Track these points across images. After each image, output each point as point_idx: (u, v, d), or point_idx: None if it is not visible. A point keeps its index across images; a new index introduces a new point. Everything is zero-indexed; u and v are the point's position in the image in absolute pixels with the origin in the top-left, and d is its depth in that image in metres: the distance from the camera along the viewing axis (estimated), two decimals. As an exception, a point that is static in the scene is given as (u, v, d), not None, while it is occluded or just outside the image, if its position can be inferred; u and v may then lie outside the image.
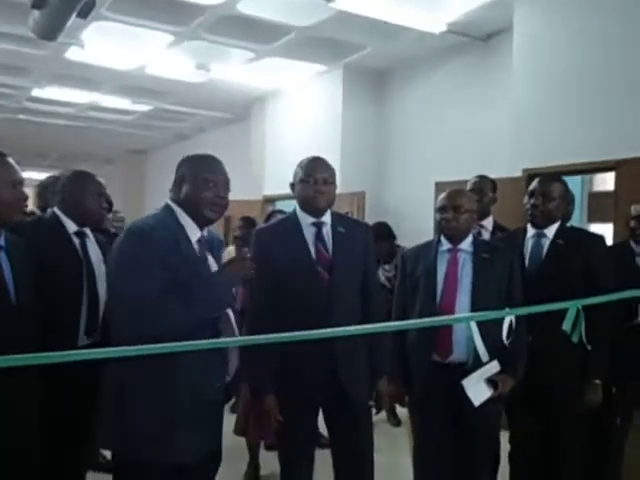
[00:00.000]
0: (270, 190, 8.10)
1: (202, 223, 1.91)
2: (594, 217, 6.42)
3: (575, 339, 1.54)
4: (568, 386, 2.51)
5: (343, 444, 2.31)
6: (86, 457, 2.49)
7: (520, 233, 2.71)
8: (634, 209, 2.92)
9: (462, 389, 2.26)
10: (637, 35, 4.03)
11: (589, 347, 2.25)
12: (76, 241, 2.36)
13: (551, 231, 2.59)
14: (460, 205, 2.40)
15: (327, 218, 2.31)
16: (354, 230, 2.36)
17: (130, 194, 12.54)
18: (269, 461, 3.39)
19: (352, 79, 6.95)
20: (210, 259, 1.94)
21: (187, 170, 1.91)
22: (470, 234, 2.48)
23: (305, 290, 2.21)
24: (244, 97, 8.36)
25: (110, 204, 3.84)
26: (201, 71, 6.98)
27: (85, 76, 7.53)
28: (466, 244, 2.44)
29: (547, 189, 2.57)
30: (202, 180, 1.87)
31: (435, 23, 5.34)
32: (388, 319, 2.59)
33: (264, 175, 8.35)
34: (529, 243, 2.64)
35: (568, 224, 2.77)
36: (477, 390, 2.27)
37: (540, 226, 2.60)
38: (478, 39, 5.72)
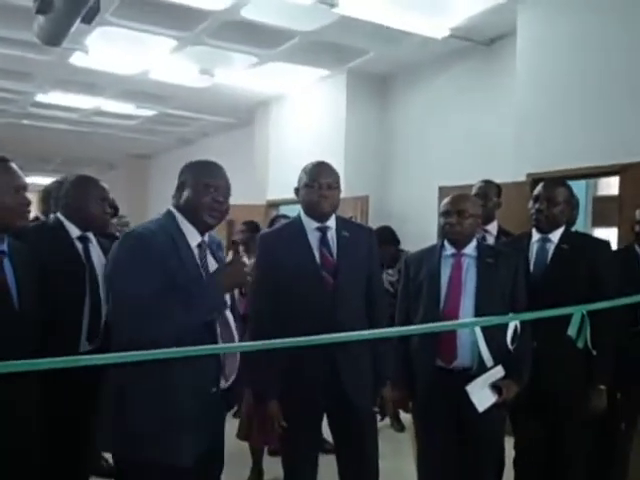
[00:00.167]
0: (274, 195, 8.10)
1: (202, 228, 1.91)
2: (598, 221, 6.39)
3: (580, 344, 1.53)
4: (573, 391, 2.49)
5: (348, 450, 2.30)
6: (88, 458, 2.48)
7: (525, 238, 2.70)
8: (639, 213, 2.91)
9: (466, 394, 2.24)
10: (641, 39, 4.03)
11: (594, 352, 2.25)
12: (79, 246, 2.36)
13: (556, 236, 2.58)
14: (464, 210, 2.40)
15: (331, 223, 2.31)
16: (358, 234, 2.36)
17: (133, 199, 12.56)
18: (273, 466, 3.38)
19: (355, 84, 6.96)
20: (212, 263, 1.94)
21: (188, 176, 1.93)
22: (474, 239, 2.47)
23: (309, 295, 2.21)
24: (248, 102, 8.38)
25: (116, 209, 3.85)
26: (205, 76, 6.99)
27: (89, 81, 7.55)
28: (470, 249, 2.44)
29: (552, 194, 2.56)
30: (202, 185, 1.88)
31: (438, 28, 5.35)
32: (391, 324, 2.58)
33: (268, 180, 8.36)
34: (534, 248, 2.63)
35: (573, 229, 2.77)
36: (481, 396, 2.26)
37: (545, 231, 2.59)
38: (481, 44, 5.72)
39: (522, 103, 4.81)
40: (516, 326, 2.21)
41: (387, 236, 4.54)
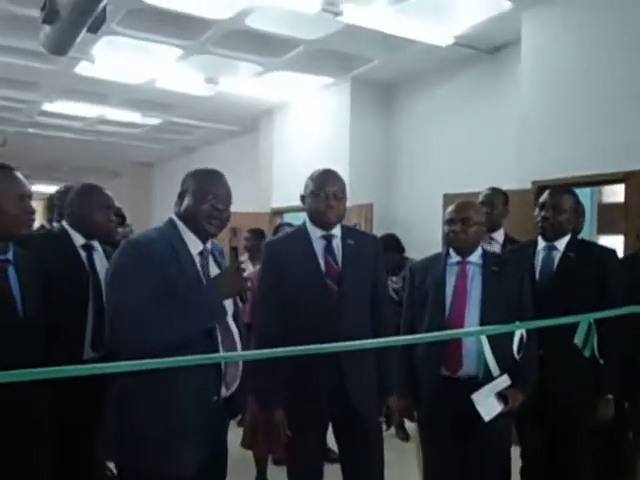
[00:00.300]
0: (278, 202, 8.11)
1: (203, 236, 1.91)
2: (604, 229, 6.37)
3: (587, 353, 1.52)
4: (580, 401, 2.47)
5: (353, 459, 2.29)
6: (92, 467, 2.48)
7: (530, 246, 2.69)
8: (645, 221, 2.90)
9: (472, 404, 2.23)
10: (645, 47, 4.03)
11: (601, 361, 2.23)
12: (83, 254, 2.37)
13: (562, 244, 2.57)
14: (468, 217, 2.39)
15: (337, 231, 2.30)
16: (364, 242, 2.36)
17: (138, 206, 12.58)
18: (277, 476, 3.36)
19: (360, 92, 6.97)
20: (215, 271, 1.94)
21: (189, 184, 1.93)
22: (479, 246, 2.46)
23: (314, 303, 2.20)
24: (252, 110, 8.40)
25: (123, 218, 3.86)
26: (210, 84, 7.02)
27: (95, 90, 7.59)
28: (475, 257, 2.43)
29: (558, 201, 2.55)
30: (202, 193, 1.88)
31: (442, 36, 5.36)
32: (396, 332, 2.57)
33: (272, 187, 8.37)
34: (540, 256, 2.62)
35: (579, 237, 2.75)
36: (487, 405, 2.25)
37: (551, 238, 2.58)
38: (485, 52, 5.73)
39: (526, 111, 4.81)
40: (522, 335, 2.20)
41: (391, 243, 4.53)
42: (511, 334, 2.18)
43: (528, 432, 2.65)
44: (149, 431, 1.75)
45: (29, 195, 1.97)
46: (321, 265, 2.24)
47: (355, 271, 2.27)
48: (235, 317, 2.00)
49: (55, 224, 2.51)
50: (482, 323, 2.29)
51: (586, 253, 2.55)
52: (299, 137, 7.88)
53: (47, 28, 4.17)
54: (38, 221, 2.65)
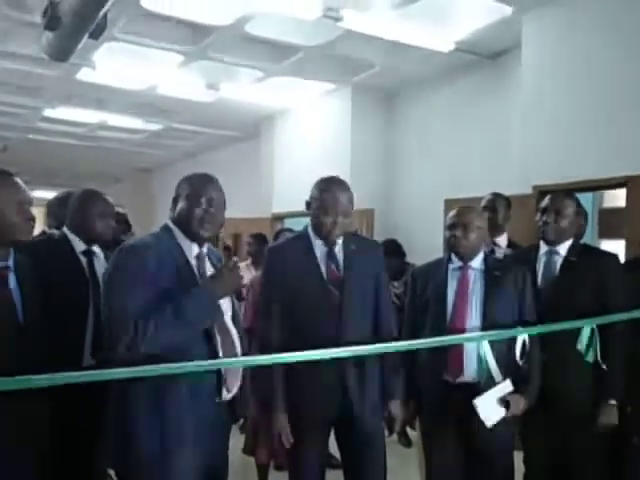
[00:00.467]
0: (279, 208, 8.11)
1: (197, 240, 1.91)
2: (605, 233, 6.36)
3: (590, 358, 1.51)
4: (583, 405, 2.46)
5: (355, 465, 2.28)
6: (94, 474, 2.47)
7: (532, 250, 2.68)
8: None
9: (474, 409, 2.22)
10: (646, 51, 4.03)
11: (604, 366, 2.22)
12: (83, 260, 2.36)
13: (564, 248, 2.57)
14: (470, 222, 2.38)
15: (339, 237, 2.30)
16: (365, 248, 2.35)
17: (139, 212, 12.58)
18: (278, 482, 3.35)
19: (360, 97, 6.98)
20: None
21: (182, 188, 1.94)
22: (481, 252, 2.46)
23: (316, 308, 2.19)
24: (253, 116, 8.41)
25: (128, 224, 3.86)
26: (211, 90, 7.03)
27: (96, 96, 7.61)
28: (477, 262, 2.42)
29: (559, 206, 2.55)
30: (194, 197, 1.89)
31: (443, 41, 5.36)
32: (398, 337, 2.56)
33: (273, 193, 8.37)
34: (542, 260, 2.61)
35: (581, 241, 2.74)
36: (490, 410, 2.23)
37: (552, 243, 2.58)
38: (486, 57, 5.74)
39: (527, 116, 4.81)
40: (525, 340, 2.20)
41: (392, 249, 4.53)
42: (513, 339, 2.18)
43: (531, 437, 2.63)
44: (147, 438, 1.75)
45: (29, 201, 1.96)
46: (322, 271, 2.24)
47: (357, 277, 2.26)
48: (234, 320, 1.99)
49: (54, 230, 2.49)
50: (484, 328, 2.28)
51: (588, 258, 2.55)
52: (300, 143, 7.89)
53: (49, 34, 4.19)
54: (39, 227, 2.64)
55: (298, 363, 1.37)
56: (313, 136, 7.62)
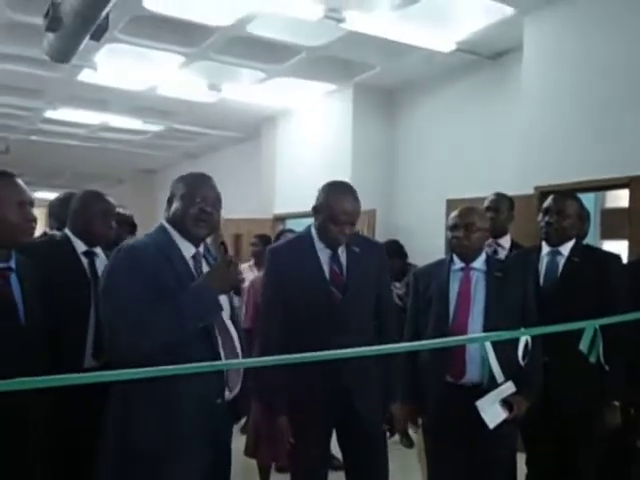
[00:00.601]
0: (280, 209, 8.11)
1: (193, 239, 1.91)
2: (607, 234, 6.35)
3: (593, 359, 1.50)
4: (586, 407, 2.45)
5: (357, 466, 2.28)
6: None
7: (534, 251, 2.67)
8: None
9: (476, 410, 2.21)
10: (648, 51, 4.02)
11: (607, 368, 2.21)
12: (85, 261, 2.36)
13: (566, 249, 2.56)
14: (472, 223, 2.38)
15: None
16: (368, 250, 2.35)
17: (141, 213, 12.59)
18: (280, 483, 3.34)
19: (362, 98, 6.97)
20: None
21: (176, 188, 1.93)
22: (483, 252, 2.45)
23: (318, 310, 2.19)
24: (255, 117, 8.41)
25: (133, 226, 3.85)
26: (212, 91, 7.04)
27: (98, 98, 7.61)
28: (479, 263, 2.42)
29: (562, 206, 2.54)
30: (188, 196, 1.89)
31: (444, 42, 5.36)
32: (400, 338, 2.56)
33: (274, 194, 8.37)
34: (544, 261, 2.60)
35: (583, 242, 2.74)
36: (492, 412, 2.23)
37: (554, 244, 2.57)
38: (487, 57, 5.73)
39: (529, 116, 4.80)
40: (527, 341, 2.19)
41: (394, 249, 4.53)
42: (515, 340, 2.17)
43: (533, 439, 2.63)
44: (149, 441, 1.74)
45: (30, 202, 1.96)
46: (325, 272, 2.23)
47: (360, 278, 2.26)
48: (234, 320, 1.99)
49: (56, 231, 2.49)
50: (486, 329, 2.28)
51: (590, 258, 2.54)
52: (302, 143, 7.89)
53: (50, 36, 4.19)
54: (41, 228, 2.64)
55: (299, 364, 1.36)
56: (315, 137, 7.62)
